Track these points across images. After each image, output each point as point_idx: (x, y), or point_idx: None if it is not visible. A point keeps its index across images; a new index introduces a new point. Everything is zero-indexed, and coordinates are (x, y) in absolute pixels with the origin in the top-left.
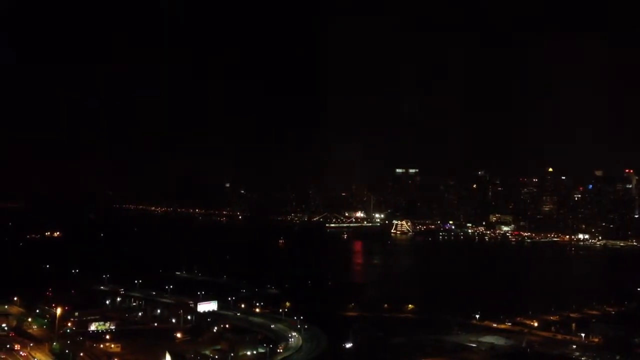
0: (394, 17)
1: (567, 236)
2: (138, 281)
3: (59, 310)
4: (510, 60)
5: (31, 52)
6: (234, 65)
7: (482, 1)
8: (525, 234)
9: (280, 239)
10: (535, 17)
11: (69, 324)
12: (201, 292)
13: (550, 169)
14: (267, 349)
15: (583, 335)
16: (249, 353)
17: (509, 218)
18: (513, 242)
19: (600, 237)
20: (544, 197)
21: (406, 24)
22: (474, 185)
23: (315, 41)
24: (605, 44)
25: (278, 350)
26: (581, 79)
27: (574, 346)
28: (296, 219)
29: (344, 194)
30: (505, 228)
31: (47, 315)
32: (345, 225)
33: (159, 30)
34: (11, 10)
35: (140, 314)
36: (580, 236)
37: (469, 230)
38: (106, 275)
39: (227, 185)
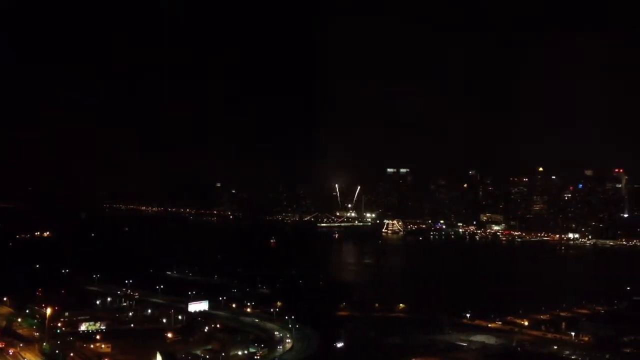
0: (391, 16)
1: (557, 235)
2: (129, 281)
3: (49, 311)
4: (504, 60)
5: (27, 50)
6: (227, 65)
7: (482, 1)
8: (516, 233)
9: (272, 239)
10: (534, 16)
11: (59, 324)
12: (192, 292)
13: (541, 169)
14: (258, 348)
15: (573, 334)
16: (240, 353)
17: (499, 217)
18: (504, 242)
19: (590, 237)
20: (535, 197)
21: (403, 24)
22: (465, 185)
23: (308, 40)
24: (605, 44)
25: (255, 358)
26: (574, 79)
27: (556, 346)
28: (287, 218)
29: (335, 193)
30: (495, 227)
31: (37, 316)
32: (336, 225)
33: (156, 31)
34: (11, 10)
35: (130, 314)
36: (570, 235)
37: (460, 230)
38: (97, 275)
39: (218, 185)
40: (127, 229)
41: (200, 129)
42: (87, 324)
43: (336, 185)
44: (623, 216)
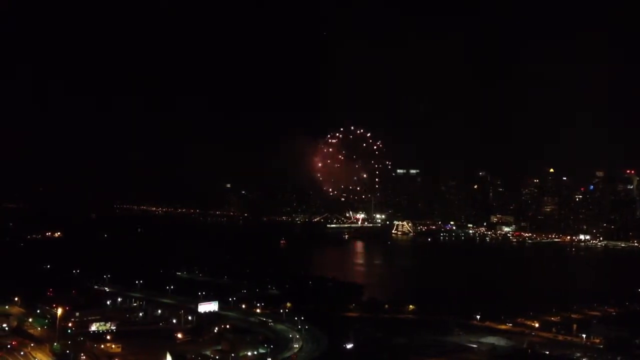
0: (396, 16)
1: (568, 237)
2: (139, 281)
3: (59, 311)
4: (512, 60)
5: (33, 52)
6: (235, 65)
7: (485, 3)
8: (526, 234)
9: (282, 240)
10: (536, 16)
11: (70, 324)
12: (202, 293)
13: (552, 170)
14: (268, 349)
15: (584, 336)
16: (249, 353)
17: (510, 219)
18: (514, 243)
19: (601, 238)
20: (545, 198)
21: (408, 24)
22: (475, 186)
23: (316, 39)
24: (606, 44)
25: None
26: (582, 79)
27: (566, 348)
28: (297, 219)
29: (344, 194)
30: (506, 229)
31: (48, 316)
32: (346, 225)
33: (159, 34)
34: (18, 12)
35: (141, 314)
36: (581, 237)
37: (470, 231)
38: (107, 275)
39: (228, 185)
40: (140, 229)
41: (210, 129)
42: (98, 324)
43: (345, 186)
44: (635, 217)
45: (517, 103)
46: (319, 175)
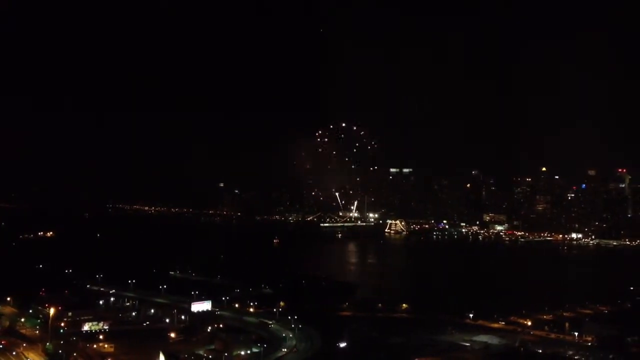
0: (393, 15)
1: (561, 235)
2: (132, 281)
3: (52, 311)
4: (512, 60)
5: (33, 53)
6: (235, 65)
7: (485, 3)
8: (519, 233)
9: (275, 239)
10: (536, 16)
11: (63, 324)
12: (195, 292)
13: (544, 169)
14: (261, 348)
15: (576, 334)
16: (242, 353)
17: (502, 217)
18: (507, 242)
19: (593, 237)
20: (538, 197)
21: (403, 23)
22: (468, 185)
23: (317, 39)
24: (606, 44)
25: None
26: (576, 79)
27: (559, 347)
28: (291, 218)
29: (338, 193)
30: (499, 227)
31: (41, 316)
32: (339, 224)
33: (159, 34)
34: (18, 12)
35: (134, 314)
36: (574, 235)
37: (463, 230)
38: (100, 275)
39: (221, 184)
40: (132, 229)
41: (204, 128)
42: (90, 324)
43: (339, 186)
44: (626, 216)
45: (513, 103)
46: (312, 174)
